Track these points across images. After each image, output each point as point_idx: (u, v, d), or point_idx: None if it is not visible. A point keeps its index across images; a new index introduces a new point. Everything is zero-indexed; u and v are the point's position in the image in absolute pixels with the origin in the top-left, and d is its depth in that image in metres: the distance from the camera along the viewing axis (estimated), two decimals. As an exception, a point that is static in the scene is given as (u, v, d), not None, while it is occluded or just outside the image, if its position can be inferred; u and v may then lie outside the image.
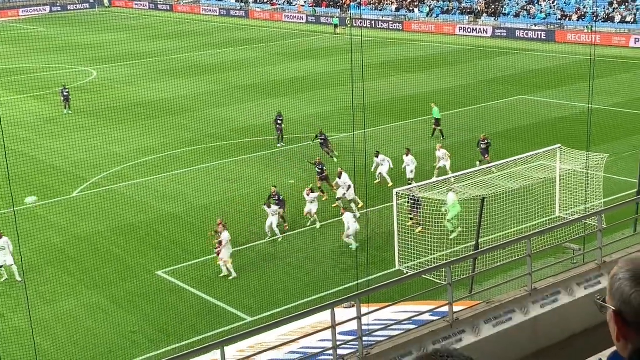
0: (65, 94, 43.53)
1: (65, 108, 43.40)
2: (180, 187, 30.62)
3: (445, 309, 10.66)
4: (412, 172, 29.05)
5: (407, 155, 29.55)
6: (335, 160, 32.56)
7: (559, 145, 26.31)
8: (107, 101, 43.07)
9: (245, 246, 24.79)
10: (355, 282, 20.54)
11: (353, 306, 11.49)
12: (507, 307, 10.34)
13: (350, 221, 24.12)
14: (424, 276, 18.05)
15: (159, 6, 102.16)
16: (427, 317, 11.71)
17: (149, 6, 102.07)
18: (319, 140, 33.74)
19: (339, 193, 27.94)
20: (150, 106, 43.44)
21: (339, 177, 27.89)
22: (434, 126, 35.92)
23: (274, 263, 23.64)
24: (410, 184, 27.56)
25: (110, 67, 56.11)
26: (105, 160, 33.43)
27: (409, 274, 21.00)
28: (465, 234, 23.36)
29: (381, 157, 30.22)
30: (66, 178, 31.62)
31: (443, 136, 35.03)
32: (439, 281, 18.71)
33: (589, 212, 23.24)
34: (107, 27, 71.98)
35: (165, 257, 24.17)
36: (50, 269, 23.68)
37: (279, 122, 35.59)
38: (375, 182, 29.40)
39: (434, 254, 22.43)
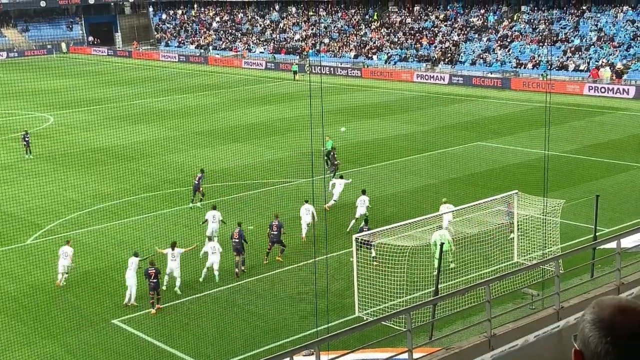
0: (26, 139, 43.07)
1: (27, 153, 42.85)
2: (138, 233, 30.23)
3: (405, 355, 10.58)
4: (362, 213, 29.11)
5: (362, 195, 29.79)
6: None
7: (516, 190, 26.61)
8: (63, 147, 42.65)
9: (203, 293, 24.47)
10: (315, 330, 20.35)
11: (312, 354, 11.36)
12: (466, 356, 10.30)
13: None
14: (383, 322, 17.96)
15: (118, 52, 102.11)
16: (387, 364, 11.61)
17: (107, 52, 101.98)
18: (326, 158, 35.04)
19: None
20: (107, 152, 43.12)
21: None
22: (325, 157, 36.95)
23: (232, 310, 23.35)
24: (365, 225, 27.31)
25: (68, 113, 55.66)
26: (61, 207, 32.95)
27: (368, 320, 20.88)
28: (425, 279, 23.35)
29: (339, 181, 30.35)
30: (21, 225, 31.06)
31: (328, 166, 36.49)
32: (398, 327, 18.61)
33: (546, 257, 23.44)
34: (65, 73, 71.63)
35: (121, 306, 23.72)
36: (4, 317, 23.09)
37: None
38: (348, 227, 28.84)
39: (394, 299, 22.35)
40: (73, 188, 36.24)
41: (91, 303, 24.00)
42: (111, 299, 24.31)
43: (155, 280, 23.28)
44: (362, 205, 29.60)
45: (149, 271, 23.46)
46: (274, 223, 27.03)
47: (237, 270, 25.89)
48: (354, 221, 29.15)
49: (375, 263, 24.16)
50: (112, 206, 33.79)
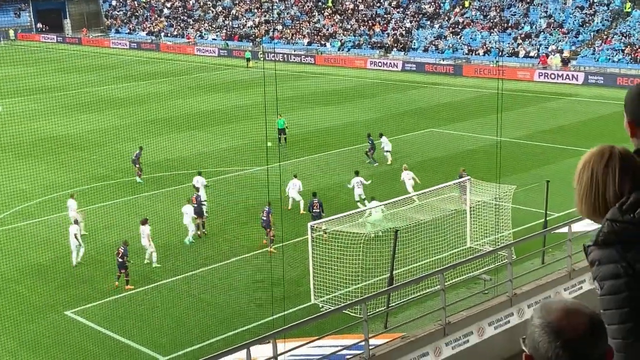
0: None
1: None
2: (89, 223, 29.81)
3: (362, 343, 10.65)
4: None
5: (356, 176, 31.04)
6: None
7: (469, 177, 26.88)
8: (12, 136, 41.79)
9: (157, 283, 24.31)
10: (271, 317, 20.37)
11: (269, 343, 11.37)
12: (422, 343, 10.41)
13: None
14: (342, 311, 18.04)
15: (67, 39, 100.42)
16: (344, 352, 11.67)
17: (57, 39, 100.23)
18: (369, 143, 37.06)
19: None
20: (57, 141, 42.42)
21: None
22: (278, 135, 39.54)
23: (188, 300, 23.24)
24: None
25: (16, 102, 54.55)
26: (10, 198, 32.34)
27: (325, 308, 20.98)
28: (379, 266, 23.50)
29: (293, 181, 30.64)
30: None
31: (286, 141, 39.59)
32: (354, 315, 18.72)
33: (499, 242, 23.77)
34: (12, 61, 70.14)
35: (73, 296, 23.44)
36: (-48, 312, 22.65)
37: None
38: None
39: (349, 286, 22.47)
40: (23, 178, 35.55)
41: (43, 295, 23.69)
42: (64, 290, 24.00)
43: (121, 260, 23.84)
44: (358, 186, 30.35)
45: (119, 249, 24.02)
46: (265, 209, 27.04)
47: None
48: (362, 206, 29.18)
49: (325, 235, 24.31)
50: (63, 196, 33.28)
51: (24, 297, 23.58)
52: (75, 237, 25.89)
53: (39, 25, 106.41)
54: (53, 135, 43.82)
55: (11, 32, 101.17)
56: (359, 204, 29.74)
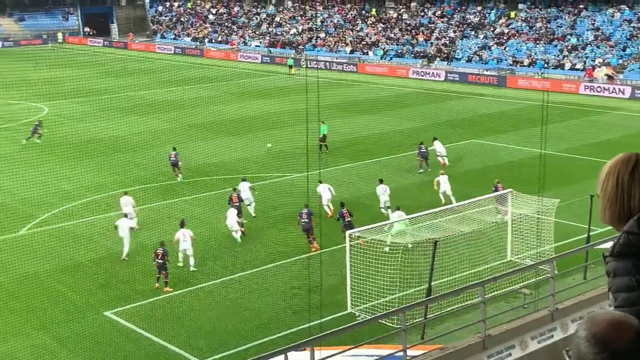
0: (37, 130, 43.07)
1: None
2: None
3: (400, 353, 10.58)
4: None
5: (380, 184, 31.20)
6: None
7: (511, 189, 26.63)
8: (58, 137, 42.45)
9: (196, 286, 24.46)
10: (307, 325, 20.36)
11: (305, 350, 11.36)
12: (461, 355, 10.31)
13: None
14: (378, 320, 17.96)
15: (113, 44, 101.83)
16: (380, 362, 11.61)
17: (103, 43, 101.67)
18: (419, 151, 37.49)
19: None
20: (102, 143, 43.01)
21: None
22: (319, 142, 39.79)
23: (225, 304, 23.34)
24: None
25: (63, 104, 55.49)
26: (55, 198, 32.84)
27: (362, 317, 20.91)
28: (417, 277, 23.36)
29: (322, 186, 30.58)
30: (14, 215, 30.96)
31: (327, 148, 39.89)
32: (391, 325, 18.62)
33: (540, 256, 23.49)
34: (60, 63, 71.37)
35: (114, 297, 23.70)
36: (-5, 308, 23.03)
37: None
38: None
39: (386, 296, 22.37)
40: (67, 179, 36.12)
41: (84, 294, 23.97)
42: (104, 290, 24.28)
43: (161, 261, 24.15)
44: (383, 193, 30.38)
45: (157, 251, 24.29)
46: (303, 212, 27.30)
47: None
48: (386, 212, 29.45)
49: (362, 242, 24.23)
50: (106, 197, 33.71)
51: (65, 296, 23.89)
52: (130, 229, 26.98)
53: (87, 29, 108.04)
54: (98, 137, 44.40)
55: (60, 35, 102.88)
56: (382, 210, 29.91)
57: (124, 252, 26.60)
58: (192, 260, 25.81)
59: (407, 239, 24.56)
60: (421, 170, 36.97)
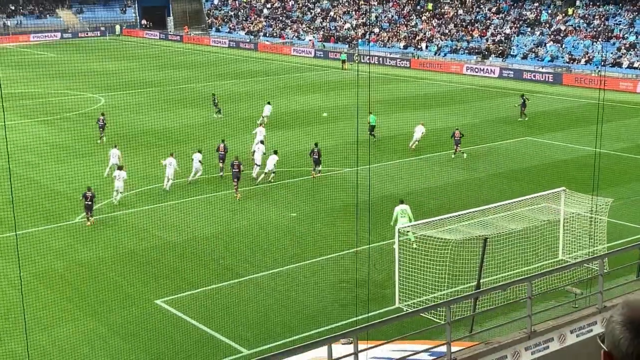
0: (101, 122, 43.02)
1: (100, 139, 42.44)
2: (183, 216, 30.59)
3: (444, 348, 10.57)
4: None
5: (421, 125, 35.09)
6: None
7: (563, 187, 26.27)
8: (114, 128, 43.19)
9: (244, 277, 24.69)
10: (354, 319, 20.40)
11: (351, 342, 11.41)
12: (504, 350, 10.26)
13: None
14: (423, 315, 17.93)
15: (169, 36, 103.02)
16: (425, 356, 11.61)
17: (159, 36, 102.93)
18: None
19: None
20: (156, 135, 43.60)
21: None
22: (370, 132, 41.03)
23: (273, 296, 23.52)
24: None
25: (118, 95, 56.42)
26: (109, 187, 33.42)
27: (408, 311, 20.86)
28: (466, 274, 23.22)
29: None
30: (69, 203, 31.61)
31: (374, 137, 41.29)
32: (437, 320, 18.56)
33: (592, 255, 23.13)
34: (117, 55, 72.52)
35: (164, 286, 24.07)
36: (50, 293, 23.58)
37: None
38: None
39: (435, 292, 22.29)
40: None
41: (135, 283, 24.39)
42: (155, 279, 24.67)
43: (90, 203, 29.07)
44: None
45: (86, 194, 29.21)
46: (235, 162, 32.55)
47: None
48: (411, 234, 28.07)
49: (414, 246, 24.13)
50: (160, 188, 34.19)
51: (117, 284, 24.35)
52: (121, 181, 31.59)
53: (143, 21, 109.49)
54: (152, 129, 45.00)
55: (117, 28, 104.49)
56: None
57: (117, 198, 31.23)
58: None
59: (455, 235, 24.38)
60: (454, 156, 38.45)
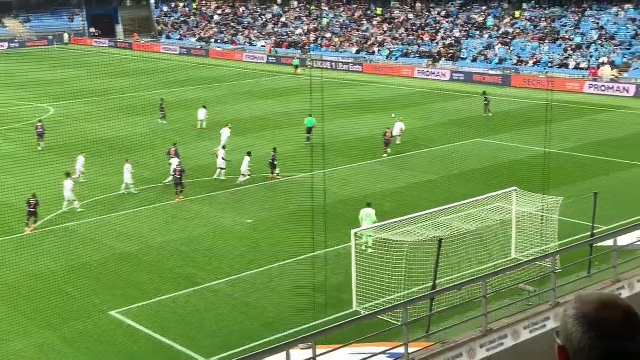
0: (39, 130, 43.60)
1: (39, 144, 43.32)
2: (137, 225, 30.28)
3: (402, 349, 10.65)
4: None
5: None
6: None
7: (515, 187, 26.65)
8: (63, 138, 42.58)
9: (201, 286, 24.55)
10: (313, 323, 20.42)
11: (310, 347, 11.43)
12: (459, 349, 10.39)
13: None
14: (381, 317, 18.02)
15: (118, 44, 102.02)
16: (383, 358, 11.68)
17: (108, 44, 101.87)
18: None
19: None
20: (108, 143, 43.11)
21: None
22: (307, 134, 42.24)
23: (231, 303, 23.42)
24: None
25: (68, 104, 55.68)
26: (60, 198, 32.95)
27: (366, 314, 20.94)
28: (422, 275, 23.39)
29: None
30: (20, 215, 31.07)
31: (309, 140, 41.78)
32: (395, 322, 18.67)
33: (544, 254, 23.49)
34: (66, 64, 71.58)
35: (119, 297, 23.79)
36: (2, 307, 23.16)
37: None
38: None
39: (392, 294, 22.42)
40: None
41: (89, 294, 24.07)
42: (110, 290, 24.38)
43: (33, 210, 29.67)
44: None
45: (30, 201, 29.47)
46: (177, 169, 33.41)
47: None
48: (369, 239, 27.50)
49: (369, 251, 24.32)
50: (112, 198, 33.84)
51: (71, 296, 23.98)
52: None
53: (92, 29, 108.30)
54: (103, 137, 44.50)
55: (65, 36, 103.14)
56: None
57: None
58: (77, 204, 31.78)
59: (411, 237, 24.57)
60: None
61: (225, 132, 41.43)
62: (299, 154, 38.38)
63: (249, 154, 35.79)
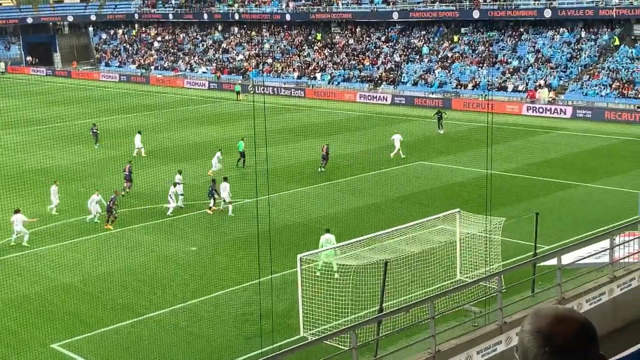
0: None
1: None
2: (77, 255, 29.63)
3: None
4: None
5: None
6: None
7: (458, 209, 26.87)
8: (1, 169, 41.58)
9: (144, 316, 24.07)
10: (260, 351, 20.16)
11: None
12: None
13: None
14: (329, 342, 17.89)
15: (57, 72, 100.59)
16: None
17: (46, 72, 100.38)
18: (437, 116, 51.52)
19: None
20: (45, 173, 42.27)
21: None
22: (239, 157, 43.29)
23: (175, 333, 23.00)
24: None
25: (4, 134, 54.47)
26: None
27: (312, 339, 20.78)
28: (370, 298, 23.34)
29: None
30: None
31: (244, 166, 42.59)
32: (342, 347, 18.54)
33: (488, 274, 23.67)
34: (2, 94, 70.18)
35: (60, 329, 23.17)
36: None
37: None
38: None
39: (339, 319, 22.30)
40: (8, 211, 35.29)
41: (29, 327, 23.40)
42: (50, 322, 23.73)
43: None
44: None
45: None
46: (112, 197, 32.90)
47: None
48: (321, 262, 26.44)
49: (336, 276, 24.29)
50: (50, 228, 33.10)
51: (10, 329, 23.30)
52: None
53: (29, 58, 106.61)
54: (41, 167, 43.66)
55: (2, 65, 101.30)
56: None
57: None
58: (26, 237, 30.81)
59: (356, 261, 24.54)
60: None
61: (215, 160, 41.59)
62: (242, 179, 38.14)
63: (225, 179, 35.22)
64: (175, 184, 35.16)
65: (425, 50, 77.29)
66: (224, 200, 34.48)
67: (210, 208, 34.71)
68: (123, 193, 36.65)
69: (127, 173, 38.02)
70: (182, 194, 35.46)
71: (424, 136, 52.11)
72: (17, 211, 31.15)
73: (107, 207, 32.97)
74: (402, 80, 73.91)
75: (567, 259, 16.59)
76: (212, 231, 32.14)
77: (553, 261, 16.06)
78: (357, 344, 10.32)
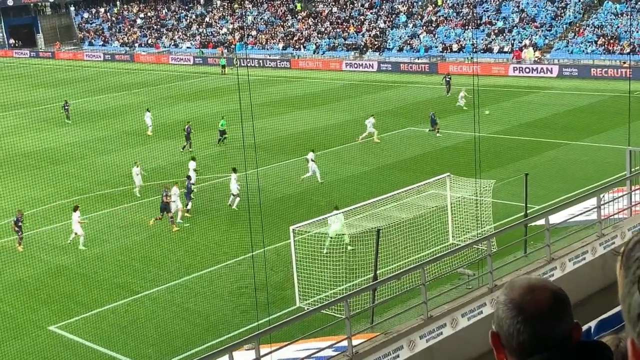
0: None
1: None
2: (70, 237, 29.61)
3: (345, 342, 10.62)
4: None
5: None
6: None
7: (448, 173, 26.96)
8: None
9: (140, 294, 24.16)
10: (256, 323, 20.28)
11: (254, 348, 11.31)
12: (402, 339, 10.42)
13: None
14: (324, 311, 18.01)
15: (40, 54, 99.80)
16: (328, 352, 11.64)
17: (30, 54, 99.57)
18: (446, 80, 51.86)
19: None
20: (35, 156, 42.14)
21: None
22: (219, 137, 42.27)
23: (171, 309, 23.11)
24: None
25: (-8, 118, 54.10)
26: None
27: (308, 310, 20.92)
28: (363, 267, 23.48)
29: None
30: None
31: (223, 142, 41.83)
32: (339, 315, 18.69)
33: (481, 237, 23.82)
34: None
35: (57, 311, 23.25)
36: None
37: None
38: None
39: (334, 288, 22.44)
40: (0, 195, 35.25)
41: (26, 310, 23.48)
42: (46, 305, 23.81)
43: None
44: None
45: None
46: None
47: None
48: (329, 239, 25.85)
49: (349, 248, 24.38)
50: (43, 211, 33.06)
51: (6, 314, 23.36)
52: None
53: (11, 40, 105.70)
54: (30, 150, 43.49)
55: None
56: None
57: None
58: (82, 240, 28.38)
59: (350, 230, 24.65)
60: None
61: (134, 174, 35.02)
62: (232, 153, 38.08)
63: (234, 170, 32.56)
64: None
65: (402, 18, 76.85)
66: (232, 194, 32.20)
67: (188, 211, 31.49)
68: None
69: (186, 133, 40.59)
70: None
71: (412, 102, 52.01)
72: (75, 208, 28.90)
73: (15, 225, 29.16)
74: (388, 46, 73.63)
75: (556, 218, 16.69)
76: (203, 207, 32.14)
77: (542, 221, 16.15)
78: (349, 314, 10.41)
